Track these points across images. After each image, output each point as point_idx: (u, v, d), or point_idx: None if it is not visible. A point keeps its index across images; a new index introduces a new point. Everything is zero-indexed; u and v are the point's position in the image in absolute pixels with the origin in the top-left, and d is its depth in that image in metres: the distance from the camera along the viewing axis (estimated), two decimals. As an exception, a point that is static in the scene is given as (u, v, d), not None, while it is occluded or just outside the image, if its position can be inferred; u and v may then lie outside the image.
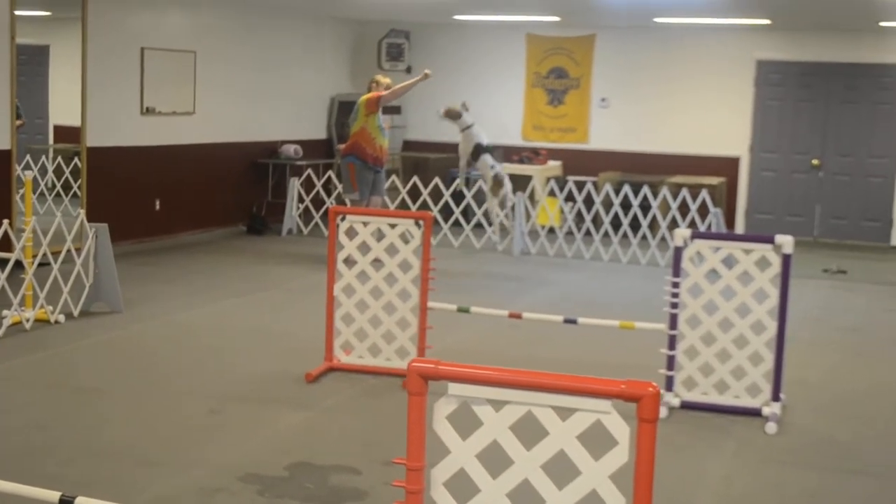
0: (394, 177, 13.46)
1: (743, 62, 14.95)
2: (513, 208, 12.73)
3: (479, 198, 13.77)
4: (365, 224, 7.22)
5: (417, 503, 3.05)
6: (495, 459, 3.02)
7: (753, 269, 6.44)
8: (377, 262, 7.20)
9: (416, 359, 2.99)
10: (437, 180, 13.49)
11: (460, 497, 3.04)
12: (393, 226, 7.19)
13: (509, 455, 2.96)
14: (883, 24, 13.13)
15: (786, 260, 6.27)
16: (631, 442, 2.80)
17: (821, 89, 14.80)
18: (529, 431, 2.99)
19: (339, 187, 13.43)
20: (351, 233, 7.25)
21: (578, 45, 15.62)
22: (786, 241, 6.27)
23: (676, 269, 6.49)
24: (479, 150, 12.31)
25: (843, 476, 5.64)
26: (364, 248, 7.23)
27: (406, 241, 7.12)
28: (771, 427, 6.22)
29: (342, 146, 11.82)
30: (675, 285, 6.51)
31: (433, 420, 2.99)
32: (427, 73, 11.41)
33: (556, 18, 14.65)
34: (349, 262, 7.21)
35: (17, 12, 10.51)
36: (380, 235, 7.34)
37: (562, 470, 2.97)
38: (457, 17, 14.88)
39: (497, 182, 12.76)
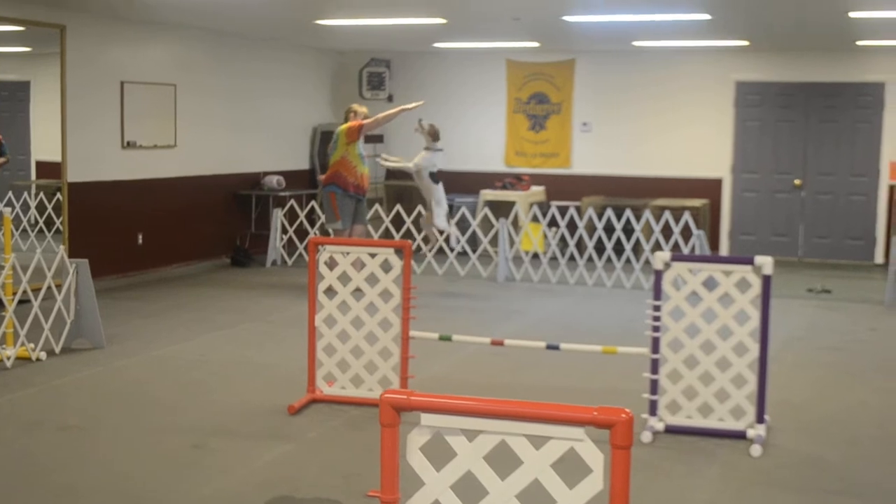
0: (377, 206, 13.45)
1: (722, 84, 15.02)
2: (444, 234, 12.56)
3: (463, 225, 13.77)
4: (345, 254, 7.20)
5: (393, 536, 3.02)
6: (470, 490, 3.00)
7: (734, 291, 6.43)
8: (358, 292, 7.18)
9: (388, 390, 2.97)
10: (420, 208, 13.47)
11: (436, 529, 3.01)
12: (373, 255, 7.18)
13: (484, 485, 2.94)
14: (859, 43, 13.20)
15: (766, 281, 6.27)
16: (606, 469, 2.78)
17: (800, 109, 14.87)
18: (504, 461, 2.97)
19: (322, 217, 13.42)
20: (331, 263, 7.23)
21: (558, 70, 15.67)
22: (765, 262, 6.27)
23: (657, 293, 6.49)
24: (435, 177, 12.23)
25: (828, 497, 5.62)
26: (345, 279, 7.21)
27: (386, 271, 7.10)
28: (756, 449, 6.21)
29: (323, 176, 11.82)
30: (657, 308, 6.50)
31: (406, 451, 2.96)
32: (418, 103, 11.51)
33: (536, 44, 14.70)
34: (330, 292, 7.19)
35: (-5, 49, 10.51)
36: (360, 265, 7.32)
37: (536, 499, 2.94)
38: (436, 44, 14.93)
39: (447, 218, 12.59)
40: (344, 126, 11.43)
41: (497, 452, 2.91)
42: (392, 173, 16.32)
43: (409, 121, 12.86)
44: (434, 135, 12.21)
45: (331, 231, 11.79)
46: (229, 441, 6.38)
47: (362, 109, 11.63)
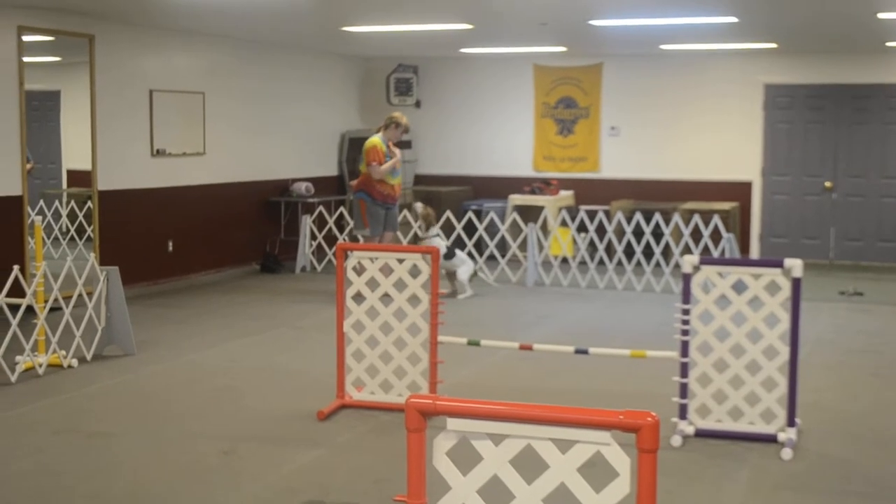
0: (405, 211, 13.45)
1: (751, 86, 14.95)
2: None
3: (492, 230, 13.77)
4: (373, 260, 7.22)
5: (420, 540, 3.02)
6: (496, 494, 3.00)
7: (763, 294, 6.40)
8: (386, 298, 7.19)
9: (413, 395, 2.97)
10: (448, 213, 13.48)
11: (463, 533, 3.01)
12: (401, 261, 7.18)
13: (510, 489, 2.94)
14: (889, 44, 13.12)
15: (796, 283, 6.23)
16: (633, 473, 2.77)
17: (830, 111, 14.79)
18: (530, 465, 2.96)
19: (352, 223, 13.45)
20: (359, 269, 7.25)
21: (586, 74, 15.65)
22: (795, 264, 6.23)
23: (686, 296, 6.46)
24: (450, 252, 12.09)
25: (860, 501, 5.58)
26: (373, 284, 7.22)
27: (414, 276, 7.10)
28: (787, 453, 6.17)
29: (354, 182, 11.85)
30: (686, 312, 6.47)
31: (433, 456, 2.96)
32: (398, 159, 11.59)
33: (563, 48, 14.69)
34: (358, 297, 7.20)
35: (26, 59, 10.58)
36: (388, 270, 7.33)
37: (563, 503, 2.94)
38: (463, 50, 14.94)
39: (475, 273, 12.44)
40: (369, 145, 11.47)
41: (523, 457, 2.91)
42: (421, 179, 16.36)
43: (436, 127, 12.85)
44: (427, 219, 12.12)
45: (360, 238, 11.82)
46: (259, 447, 6.39)
47: (404, 120, 11.64)
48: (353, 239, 13.06)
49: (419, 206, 12.28)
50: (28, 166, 10.84)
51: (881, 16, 10.40)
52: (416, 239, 13.46)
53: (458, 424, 2.92)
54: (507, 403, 2.88)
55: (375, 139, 11.53)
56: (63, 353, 8.33)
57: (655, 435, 2.70)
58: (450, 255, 11.98)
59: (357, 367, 7.21)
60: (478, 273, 12.32)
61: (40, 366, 8.11)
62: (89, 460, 6.16)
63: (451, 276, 12.07)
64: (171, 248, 12.73)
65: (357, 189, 11.63)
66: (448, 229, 13.45)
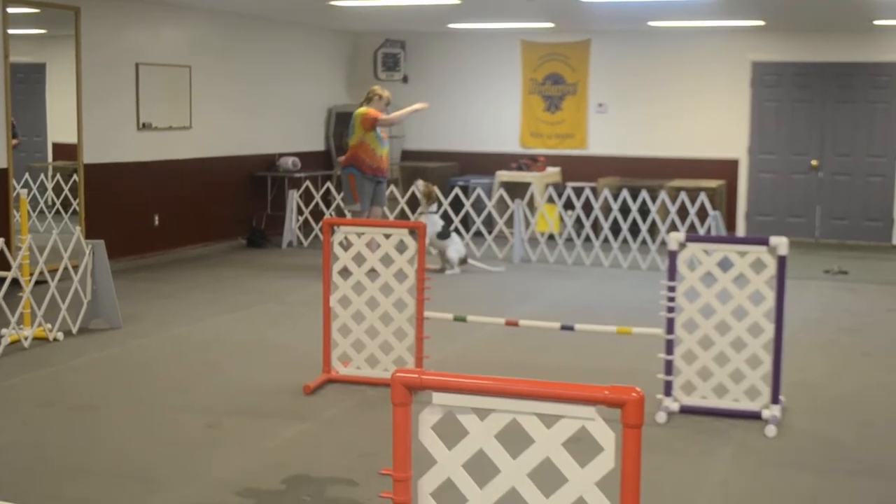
0: (392, 186, 13.45)
1: (738, 64, 14.94)
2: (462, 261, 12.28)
3: (479, 206, 13.77)
4: (359, 235, 7.22)
5: (405, 514, 3.03)
6: (482, 468, 3.01)
7: (749, 272, 6.42)
8: (372, 273, 7.19)
9: (399, 369, 2.98)
10: (435, 189, 13.45)
11: (448, 507, 3.03)
12: (387, 236, 7.18)
13: (495, 464, 2.95)
14: (877, 22, 13.12)
15: (781, 261, 6.25)
16: (617, 448, 2.78)
17: (817, 89, 14.80)
18: (515, 439, 2.97)
19: (339, 198, 13.44)
20: (346, 244, 7.25)
21: (574, 50, 15.62)
22: (780, 242, 6.25)
23: (672, 273, 6.48)
24: (445, 231, 12.10)
25: (844, 478, 5.61)
26: (359, 259, 7.22)
27: (401, 252, 7.10)
28: (770, 430, 6.20)
29: (342, 158, 11.82)
30: (671, 289, 6.49)
31: (418, 430, 2.97)
32: (424, 105, 11.54)
33: (551, 24, 14.66)
34: (345, 273, 7.20)
35: (11, 31, 10.52)
36: (375, 246, 7.33)
37: (548, 477, 2.95)
38: (451, 25, 14.90)
39: (465, 258, 12.39)
40: (361, 111, 11.41)
41: (509, 431, 2.92)
42: (408, 154, 16.34)
43: (431, 104, 12.78)
44: (429, 196, 12.14)
45: (348, 213, 11.80)
46: (244, 421, 6.40)
47: (385, 94, 11.60)
48: (341, 214, 13.08)
49: (420, 183, 12.27)
50: (14, 142, 10.80)
51: (869, -6, 10.41)
52: (402, 215, 13.46)
53: (444, 399, 2.93)
54: (492, 378, 2.89)
55: (365, 108, 11.48)
56: (48, 326, 8.32)
57: (640, 410, 2.71)
58: (445, 234, 11.99)
59: (343, 342, 7.22)
60: (468, 260, 12.25)
61: (26, 339, 8.09)
62: (74, 433, 6.16)
63: (442, 254, 12.08)
64: (157, 222, 12.70)
65: (346, 164, 11.58)
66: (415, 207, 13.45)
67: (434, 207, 12.21)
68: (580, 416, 2.81)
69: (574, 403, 2.79)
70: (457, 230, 12.87)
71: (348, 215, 11.81)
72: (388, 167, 11.73)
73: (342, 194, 12.56)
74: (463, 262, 12.15)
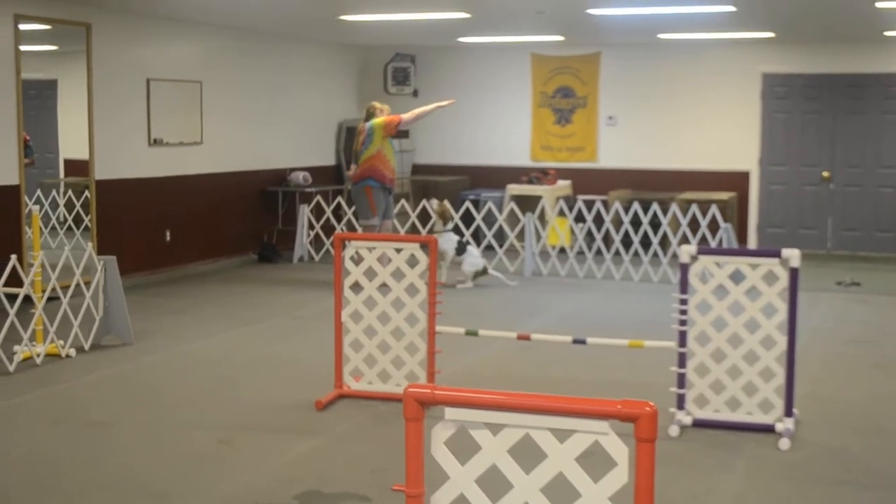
0: (403, 201, 13.45)
1: (748, 76, 14.93)
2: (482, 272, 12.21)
3: (489, 219, 13.76)
4: (370, 250, 7.21)
5: (418, 530, 3.02)
6: (494, 483, 3.00)
7: (761, 284, 6.40)
8: (384, 287, 7.19)
9: (412, 384, 2.97)
10: (449, 207, 13.44)
11: (461, 523, 3.02)
12: (399, 250, 7.18)
13: (508, 479, 2.94)
14: (887, 33, 13.10)
15: (793, 273, 6.23)
16: (630, 462, 2.77)
17: (827, 101, 14.77)
18: (528, 454, 2.96)
19: (350, 213, 13.43)
20: (357, 259, 7.24)
21: (584, 63, 15.63)
22: (793, 254, 6.23)
23: (684, 286, 6.46)
24: (462, 247, 12.07)
25: (858, 490, 5.58)
26: (371, 274, 7.21)
27: (412, 266, 7.09)
28: (784, 443, 6.17)
29: (351, 173, 11.81)
30: (683, 302, 6.47)
31: (431, 446, 2.96)
32: (450, 102, 11.59)
33: (561, 38, 14.67)
34: (356, 287, 7.19)
35: (23, 47, 10.56)
36: (386, 260, 7.33)
37: (562, 493, 2.94)
38: (461, 39, 14.92)
39: (484, 270, 12.24)
40: (380, 120, 11.44)
41: (521, 446, 2.91)
42: (419, 168, 16.35)
43: (434, 116, 12.82)
44: (444, 215, 12.18)
45: (360, 227, 11.80)
46: (256, 436, 6.40)
47: (385, 108, 11.66)
48: (352, 229, 13.08)
49: (434, 202, 12.27)
50: (27, 161, 10.83)
51: (879, 5, 10.38)
52: (413, 229, 13.45)
53: (457, 414, 2.92)
54: (505, 393, 2.88)
55: (381, 117, 11.52)
56: (61, 342, 8.33)
57: (653, 425, 2.70)
58: (461, 250, 12.00)
59: (355, 356, 7.21)
60: (487, 270, 12.19)
61: (38, 355, 8.10)
62: (86, 449, 6.16)
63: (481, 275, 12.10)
64: (168, 238, 12.72)
65: (361, 177, 11.55)
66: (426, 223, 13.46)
67: (449, 225, 12.23)
68: (593, 430, 2.79)
69: (587, 418, 2.78)
70: (469, 242, 12.85)
71: (359, 230, 11.81)
72: (395, 178, 11.82)
73: (353, 208, 12.55)
74: (483, 272, 12.10)
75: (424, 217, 13.53)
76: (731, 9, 10.96)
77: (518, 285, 12.17)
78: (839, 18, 12.01)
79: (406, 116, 11.49)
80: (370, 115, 11.60)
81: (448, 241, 11.91)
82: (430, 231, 13.13)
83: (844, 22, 12.32)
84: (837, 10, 11.21)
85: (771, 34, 13.68)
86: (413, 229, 13.54)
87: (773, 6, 11.14)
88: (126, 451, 6.15)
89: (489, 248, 13.66)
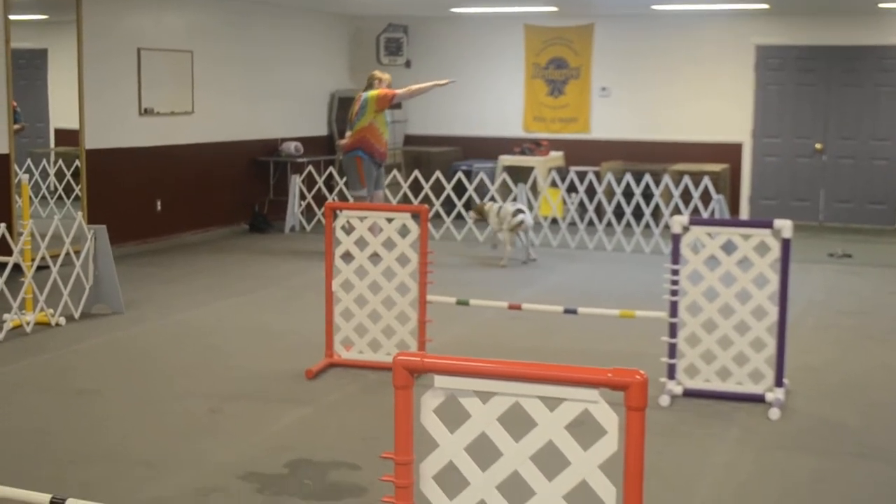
0: (395, 171, 13.42)
1: (742, 48, 14.88)
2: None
3: (481, 190, 13.73)
4: (362, 219, 7.19)
5: (407, 497, 3.01)
6: (484, 451, 2.99)
7: (753, 255, 6.39)
8: (375, 257, 7.17)
9: (401, 352, 2.96)
10: (438, 174, 13.43)
11: (450, 490, 3.01)
12: (390, 220, 7.15)
13: (498, 447, 2.93)
14: (882, 5, 13.07)
15: (785, 244, 6.22)
16: (620, 431, 2.76)
17: (821, 73, 14.74)
18: (518, 422, 2.95)
19: (342, 183, 13.41)
20: (348, 228, 7.22)
21: (577, 34, 15.56)
22: (784, 225, 6.22)
23: (675, 257, 6.45)
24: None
25: (848, 460, 5.59)
26: (362, 243, 7.19)
27: (403, 236, 7.07)
28: (774, 413, 6.18)
29: (343, 142, 11.75)
30: (675, 272, 6.46)
31: (420, 414, 2.95)
32: (451, 80, 11.51)
33: (554, 8, 14.61)
34: (347, 257, 7.17)
35: (13, 17, 10.48)
36: (377, 230, 7.31)
37: (551, 461, 2.93)
38: (454, 9, 14.84)
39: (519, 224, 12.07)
40: (374, 93, 11.37)
41: (511, 414, 2.90)
42: (411, 139, 16.29)
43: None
44: (481, 212, 12.04)
45: (350, 197, 11.76)
46: (246, 405, 6.39)
47: (386, 76, 11.58)
48: (343, 199, 13.05)
49: (472, 213, 12.14)
50: (17, 127, 10.77)
51: (874, -24, 10.35)
52: (405, 199, 13.41)
53: (446, 382, 2.91)
54: (494, 361, 2.87)
55: (378, 89, 11.44)
56: (51, 311, 8.31)
57: (644, 393, 2.69)
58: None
59: (346, 326, 7.20)
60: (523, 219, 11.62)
61: (28, 324, 8.08)
62: (77, 418, 6.15)
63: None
64: (159, 208, 12.68)
65: (352, 147, 11.49)
66: (438, 190, 13.41)
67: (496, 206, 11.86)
68: (583, 398, 2.78)
69: (577, 386, 2.77)
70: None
71: (350, 200, 11.78)
72: (387, 152, 11.74)
73: (345, 179, 12.51)
74: (519, 224, 11.61)
75: (416, 188, 13.49)
76: (726, -21, 10.92)
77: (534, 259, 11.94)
78: (833, -11, 11.98)
79: (401, 92, 11.42)
80: (370, 84, 11.53)
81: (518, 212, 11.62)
82: (404, 197, 13.07)
83: (839, -7, 12.28)
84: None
85: (765, 5, 13.64)
86: (405, 199, 13.50)
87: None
88: (116, 420, 6.14)
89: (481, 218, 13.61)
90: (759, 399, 6.41)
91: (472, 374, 2.88)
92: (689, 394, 6.54)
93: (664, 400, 6.39)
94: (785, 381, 6.44)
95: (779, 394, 6.36)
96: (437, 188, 13.42)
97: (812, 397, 6.66)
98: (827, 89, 14.75)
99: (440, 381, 2.92)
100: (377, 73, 11.63)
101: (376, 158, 11.46)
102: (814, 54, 14.74)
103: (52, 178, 12.15)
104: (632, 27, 15.24)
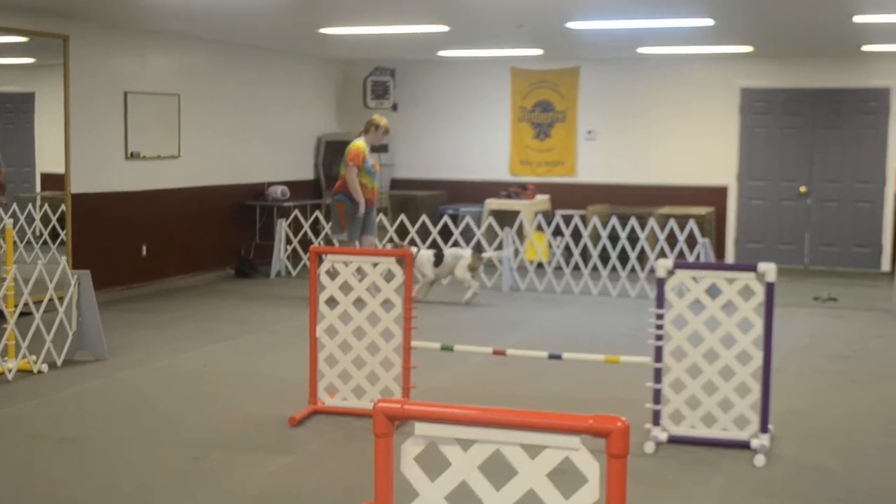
0: (381, 215, 13.41)
1: (727, 90, 14.97)
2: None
3: (467, 234, 13.74)
4: (346, 264, 7.16)
5: (387, 548, 2.98)
6: (465, 500, 2.96)
7: (737, 299, 6.38)
8: (359, 302, 7.14)
9: (381, 399, 2.93)
10: (424, 217, 13.43)
11: (430, 540, 2.98)
12: (374, 265, 7.13)
13: (478, 495, 2.90)
14: (865, 48, 13.17)
15: (769, 288, 6.22)
16: (602, 478, 2.73)
17: (806, 116, 14.82)
18: (499, 470, 2.93)
19: (328, 227, 13.40)
20: (332, 273, 7.19)
21: (563, 77, 15.64)
22: (768, 268, 6.21)
23: (660, 301, 6.44)
24: (438, 257, 11.98)
25: (833, 506, 5.57)
26: (346, 288, 7.16)
27: (388, 280, 7.06)
28: (759, 459, 6.15)
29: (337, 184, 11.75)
30: (660, 317, 6.45)
31: (401, 462, 2.93)
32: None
33: (540, 52, 14.68)
34: (332, 302, 7.15)
35: (0, 61, 10.48)
36: (362, 274, 7.29)
37: (532, 510, 2.90)
38: (441, 53, 14.90)
39: (476, 258, 12.11)
40: (352, 146, 11.40)
41: (492, 462, 2.87)
42: (397, 183, 16.31)
43: (413, 130, 12.74)
44: (475, 269, 12.08)
45: (335, 242, 11.75)
46: (230, 453, 6.34)
47: (382, 122, 11.57)
48: (330, 243, 13.01)
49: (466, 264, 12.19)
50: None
51: (856, 19, 10.42)
52: (392, 244, 13.40)
53: (427, 429, 2.89)
54: (475, 408, 2.84)
55: (359, 142, 11.45)
56: (33, 357, 8.25)
57: (625, 440, 2.67)
58: (438, 260, 11.92)
59: (330, 372, 7.16)
60: (482, 257, 12.19)
61: (10, 371, 8.02)
62: (59, 466, 6.09)
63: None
64: (145, 252, 12.65)
65: (336, 191, 11.55)
66: (424, 234, 13.41)
67: (413, 249, 11.91)
68: (564, 446, 2.76)
69: (558, 433, 2.75)
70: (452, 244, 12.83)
71: (336, 244, 11.75)
72: (377, 198, 11.71)
73: (331, 223, 12.49)
74: (478, 260, 12.06)
75: (403, 231, 13.49)
76: (710, 23, 10.99)
77: (505, 293, 12.09)
78: (816, 33, 12.06)
79: (350, 177, 11.30)
80: (366, 128, 11.55)
81: (425, 262, 11.87)
82: (390, 241, 13.13)
83: (822, 36, 12.37)
84: (815, 24, 11.25)
85: (749, 48, 13.73)
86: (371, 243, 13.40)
87: (752, 20, 11.18)
88: (100, 467, 6.09)
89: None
90: (744, 445, 6.38)
91: (452, 420, 2.85)
92: (674, 440, 6.50)
93: (649, 447, 6.35)
94: (770, 426, 6.42)
95: (764, 440, 6.33)
96: (424, 232, 13.42)
97: (797, 443, 6.63)
98: (812, 132, 14.83)
99: (421, 428, 2.89)
100: (374, 118, 11.64)
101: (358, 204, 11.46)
102: (798, 97, 14.83)
103: (37, 223, 12.11)
104: (617, 70, 15.33)
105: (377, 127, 11.52)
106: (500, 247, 13.16)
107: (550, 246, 13.39)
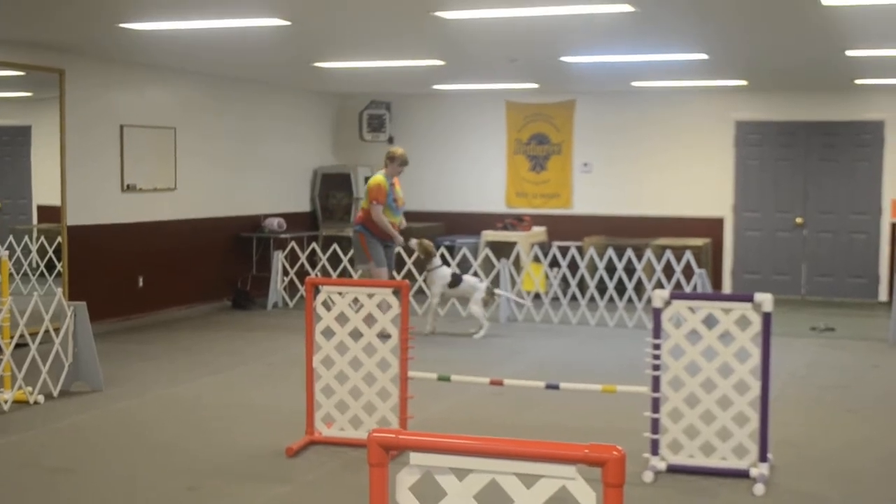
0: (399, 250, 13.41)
1: (722, 123, 15.03)
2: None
3: (464, 266, 13.73)
4: (342, 294, 7.16)
5: (383, 578, 2.96)
6: (461, 530, 2.94)
7: (734, 329, 6.39)
8: (356, 333, 7.13)
9: (376, 429, 2.92)
10: (425, 241, 13.37)
11: (427, 570, 2.96)
12: (371, 295, 7.14)
13: (475, 525, 2.89)
14: (858, 81, 13.23)
15: (766, 318, 6.22)
16: (599, 508, 2.72)
17: (800, 148, 14.87)
18: (494, 500, 2.92)
19: (324, 259, 13.39)
20: (329, 304, 7.20)
21: (558, 110, 15.69)
22: (765, 299, 6.22)
23: (657, 331, 6.44)
24: (456, 279, 11.98)
25: (831, 536, 5.55)
26: (343, 319, 7.16)
27: (385, 311, 7.05)
28: (759, 489, 6.14)
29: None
30: (657, 347, 6.45)
31: (396, 492, 2.92)
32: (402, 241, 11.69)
33: (535, 85, 14.73)
34: (328, 333, 7.14)
35: (-4, 94, 10.53)
36: (358, 305, 7.28)
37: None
38: (436, 86, 14.96)
39: (489, 292, 12.09)
40: (372, 183, 11.40)
41: (488, 492, 2.86)
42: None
43: (411, 165, 12.66)
44: (427, 251, 12.03)
45: (355, 273, 11.75)
46: (226, 483, 6.32)
47: (398, 153, 11.57)
48: (327, 275, 13.00)
49: (414, 241, 12.13)
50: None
51: (849, 53, 10.48)
52: (408, 275, 13.35)
53: (422, 459, 2.87)
54: (470, 437, 2.84)
55: (379, 177, 11.46)
56: (29, 389, 8.23)
57: (621, 469, 2.66)
58: (455, 282, 11.89)
59: (326, 402, 7.15)
60: (494, 294, 12.15)
61: (6, 402, 8.00)
62: (54, 497, 6.07)
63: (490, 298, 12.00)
64: (141, 284, 12.64)
65: (358, 222, 11.60)
66: (421, 266, 13.39)
67: (437, 261, 12.07)
68: (560, 475, 2.75)
69: (554, 463, 2.74)
70: (472, 273, 12.83)
71: (355, 276, 11.75)
72: (398, 232, 11.64)
73: (350, 253, 12.47)
74: (490, 296, 12.01)
75: (400, 263, 13.47)
76: (704, 57, 11.03)
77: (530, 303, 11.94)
78: (810, 67, 12.11)
79: (375, 213, 11.37)
80: (385, 162, 11.58)
81: (441, 278, 11.84)
82: (409, 274, 13.09)
83: (815, 70, 12.43)
84: (808, 58, 11.30)
85: (743, 82, 13.79)
86: (409, 275, 13.38)
87: (746, 55, 11.23)
88: (96, 498, 6.07)
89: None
90: (743, 475, 6.37)
91: (447, 450, 2.84)
92: (672, 469, 6.49)
93: (648, 476, 6.34)
94: (769, 455, 6.40)
95: (763, 469, 6.32)
96: (421, 262, 13.38)
97: (796, 472, 6.62)
98: (806, 164, 14.87)
99: (416, 458, 2.88)
100: (389, 150, 11.69)
101: (377, 237, 11.46)
102: (793, 129, 14.89)
103: (34, 255, 12.11)
104: (612, 103, 15.38)
105: (392, 159, 11.55)
106: (496, 280, 13.15)
107: (547, 277, 13.38)
